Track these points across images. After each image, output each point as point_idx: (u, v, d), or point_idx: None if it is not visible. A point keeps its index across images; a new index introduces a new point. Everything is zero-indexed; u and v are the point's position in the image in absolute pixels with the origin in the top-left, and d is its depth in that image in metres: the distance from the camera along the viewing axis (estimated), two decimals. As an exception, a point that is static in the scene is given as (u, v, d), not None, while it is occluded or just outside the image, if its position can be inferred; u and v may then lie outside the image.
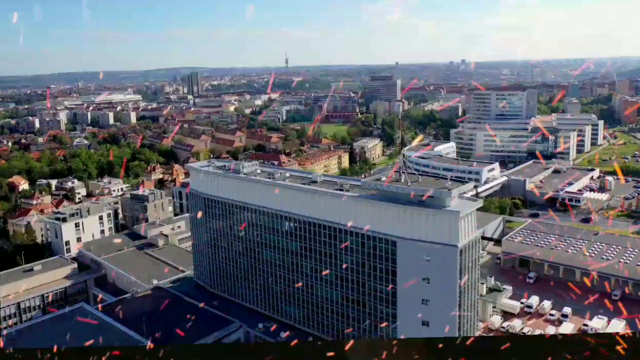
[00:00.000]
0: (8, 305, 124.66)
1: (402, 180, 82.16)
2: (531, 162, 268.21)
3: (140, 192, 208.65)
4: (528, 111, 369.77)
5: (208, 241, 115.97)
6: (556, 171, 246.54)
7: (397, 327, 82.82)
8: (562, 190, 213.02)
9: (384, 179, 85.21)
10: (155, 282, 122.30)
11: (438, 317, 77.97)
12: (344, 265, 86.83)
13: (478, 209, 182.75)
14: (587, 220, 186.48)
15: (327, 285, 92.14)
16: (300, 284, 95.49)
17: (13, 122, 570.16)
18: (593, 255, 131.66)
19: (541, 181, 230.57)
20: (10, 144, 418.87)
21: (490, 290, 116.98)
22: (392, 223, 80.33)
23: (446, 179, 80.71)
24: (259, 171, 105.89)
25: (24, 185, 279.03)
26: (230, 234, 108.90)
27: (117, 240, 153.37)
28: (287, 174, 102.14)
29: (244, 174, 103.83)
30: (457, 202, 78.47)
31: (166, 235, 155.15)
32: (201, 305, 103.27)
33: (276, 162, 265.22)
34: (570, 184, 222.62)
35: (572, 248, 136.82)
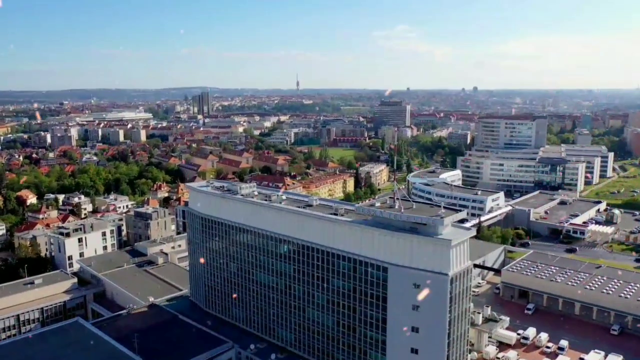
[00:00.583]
0: (7, 317, 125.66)
1: (396, 207, 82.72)
2: (537, 192, 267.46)
3: (144, 210, 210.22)
4: (537, 141, 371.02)
5: (204, 260, 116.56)
6: (562, 202, 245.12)
7: (387, 354, 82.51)
8: (566, 222, 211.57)
9: (378, 204, 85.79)
10: (151, 299, 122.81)
11: (427, 345, 77.70)
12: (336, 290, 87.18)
13: (479, 238, 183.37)
14: (572, 251, 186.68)
15: (319, 309, 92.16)
16: (292, 306, 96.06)
17: (26, 136, 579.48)
18: (594, 288, 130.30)
19: (546, 212, 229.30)
20: (21, 158, 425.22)
21: (487, 320, 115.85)
22: (383, 249, 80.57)
23: (439, 206, 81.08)
24: (256, 193, 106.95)
25: (32, 199, 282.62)
26: (226, 254, 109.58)
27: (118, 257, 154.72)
28: (284, 197, 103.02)
29: (241, 195, 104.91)
30: (449, 230, 78.68)
31: (166, 254, 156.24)
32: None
33: (280, 184, 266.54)
34: (575, 215, 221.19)
35: (573, 280, 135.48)
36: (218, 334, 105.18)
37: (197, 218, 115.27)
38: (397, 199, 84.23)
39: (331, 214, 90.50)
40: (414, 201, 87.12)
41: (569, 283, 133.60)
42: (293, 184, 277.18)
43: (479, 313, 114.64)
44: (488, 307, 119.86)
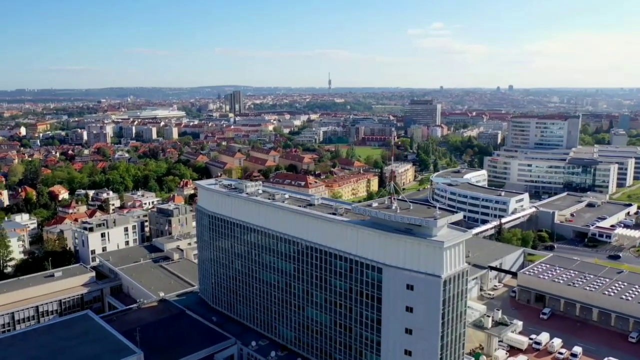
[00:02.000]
0: (27, 308, 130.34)
1: (393, 208, 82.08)
2: (565, 194, 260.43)
3: (166, 206, 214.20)
4: (569, 141, 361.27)
5: (211, 257, 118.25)
6: (590, 205, 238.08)
7: (381, 355, 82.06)
8: (592, 225, 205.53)
9: (375, 204, 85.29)
10: (161, 294, 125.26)
11: (420, 347, 76.92)
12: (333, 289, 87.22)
13: (498, 240, 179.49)
14: (550, 248, 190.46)
15: (317, 308, 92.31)
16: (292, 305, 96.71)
17: (63, 133, 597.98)
18: (613, 294, 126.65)
19: (572, 214, 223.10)
20: (58, 154, 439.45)
21: (497, 323, 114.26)
22: (378, 250, 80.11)
23: (435, 207, 79.96)
24: (260, 191, 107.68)
25: (64, 194, 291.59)
26: (231, 251, 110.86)
27: (135, 252, 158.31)
28: (287, 196, 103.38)
29: (247, 193, 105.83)
30: (445, 231, 77.54)
31: (182, 250, 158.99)
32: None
33: (303, 183, 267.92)
34: (602, 218, 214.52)
35: (592, 285, 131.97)
36: (222, 330, 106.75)
37: (204, 215, 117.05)
38: (394, 199, 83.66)
39: (331, 213, 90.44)
40: (411, 202, 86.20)
41: (588, 288, 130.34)
42: (315, 182, 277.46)
43: (489, 316, 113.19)
44: (499, 310, 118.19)
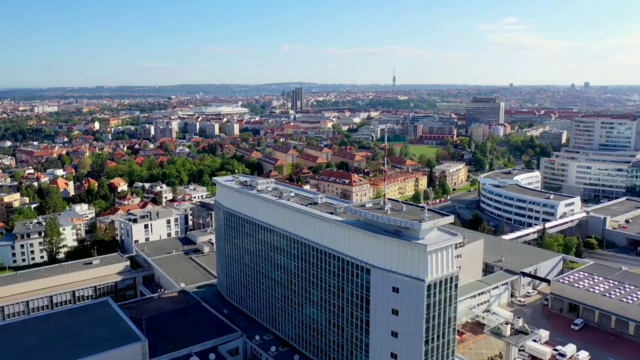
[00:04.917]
0: (64, 292, 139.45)
1: (385, 209, 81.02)
2: (623, 198, 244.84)
3: (208, 200, 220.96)
4: (638, 143, 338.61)
5: (226, 252, 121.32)
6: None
7: (369, 356, 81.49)
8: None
9: (369, 205, 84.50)
10: (182, 285, 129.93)
11: (405, 351, 75.74)
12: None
13: (540, 246, 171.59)
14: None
15: (314, 306, 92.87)
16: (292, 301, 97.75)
17: (133, 128, 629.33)
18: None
19: (627, 221, 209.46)
20: (125, 148, 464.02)
21: (517, 332, 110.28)
22: (367, 251, 79.47)
23: (423, 208, 78.10)
24: (270, 188, 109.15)
25: (123, 186, 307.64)
26: (241, 246, 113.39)
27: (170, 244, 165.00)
28: (292, 194, 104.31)
29: (257, 190, 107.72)
30: (434, 234, 75.65)
31: (212, 243, 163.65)
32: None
33: (347, 181, 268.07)
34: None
35: (631, 297, 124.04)
36: (231, 322, 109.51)
37: (220, 210, 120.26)
38: (387, 200, 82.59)
39: (330, 212, 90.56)
40: (404, 203, 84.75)
41: (625, 299, 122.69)
42: (360, 180, 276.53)
43: (507, 324, 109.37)
44: (519, 318, 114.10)
